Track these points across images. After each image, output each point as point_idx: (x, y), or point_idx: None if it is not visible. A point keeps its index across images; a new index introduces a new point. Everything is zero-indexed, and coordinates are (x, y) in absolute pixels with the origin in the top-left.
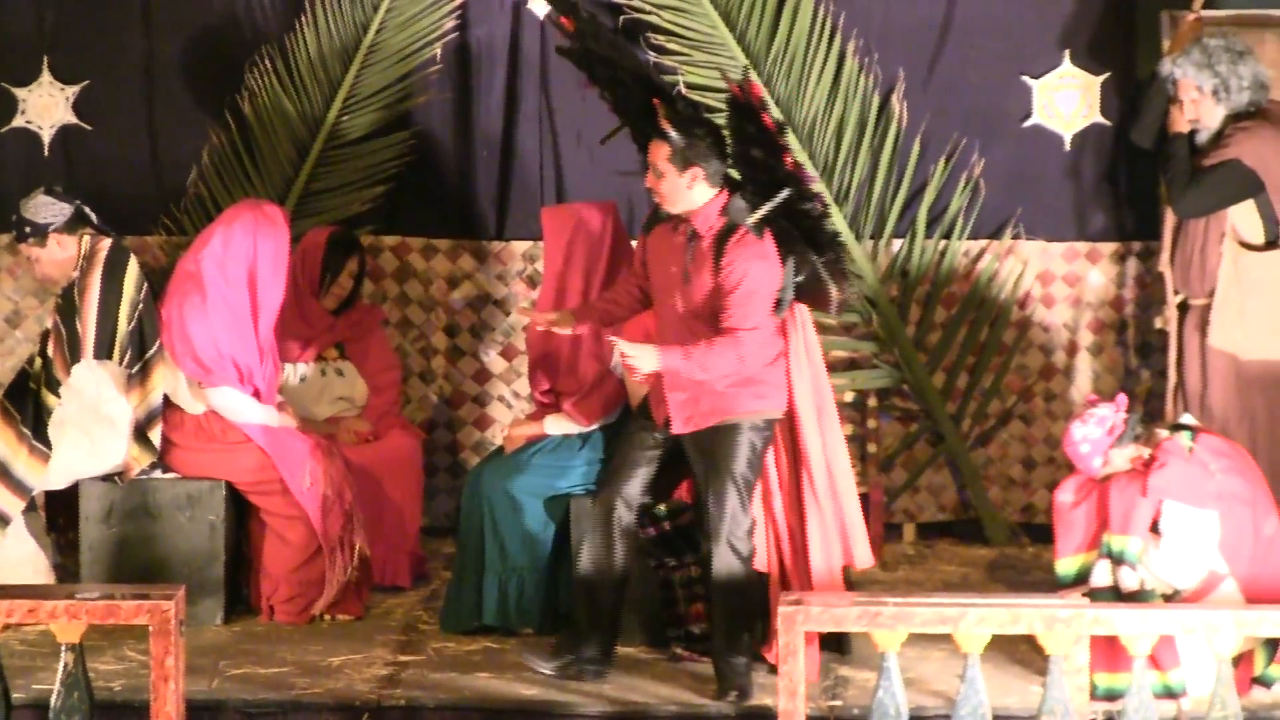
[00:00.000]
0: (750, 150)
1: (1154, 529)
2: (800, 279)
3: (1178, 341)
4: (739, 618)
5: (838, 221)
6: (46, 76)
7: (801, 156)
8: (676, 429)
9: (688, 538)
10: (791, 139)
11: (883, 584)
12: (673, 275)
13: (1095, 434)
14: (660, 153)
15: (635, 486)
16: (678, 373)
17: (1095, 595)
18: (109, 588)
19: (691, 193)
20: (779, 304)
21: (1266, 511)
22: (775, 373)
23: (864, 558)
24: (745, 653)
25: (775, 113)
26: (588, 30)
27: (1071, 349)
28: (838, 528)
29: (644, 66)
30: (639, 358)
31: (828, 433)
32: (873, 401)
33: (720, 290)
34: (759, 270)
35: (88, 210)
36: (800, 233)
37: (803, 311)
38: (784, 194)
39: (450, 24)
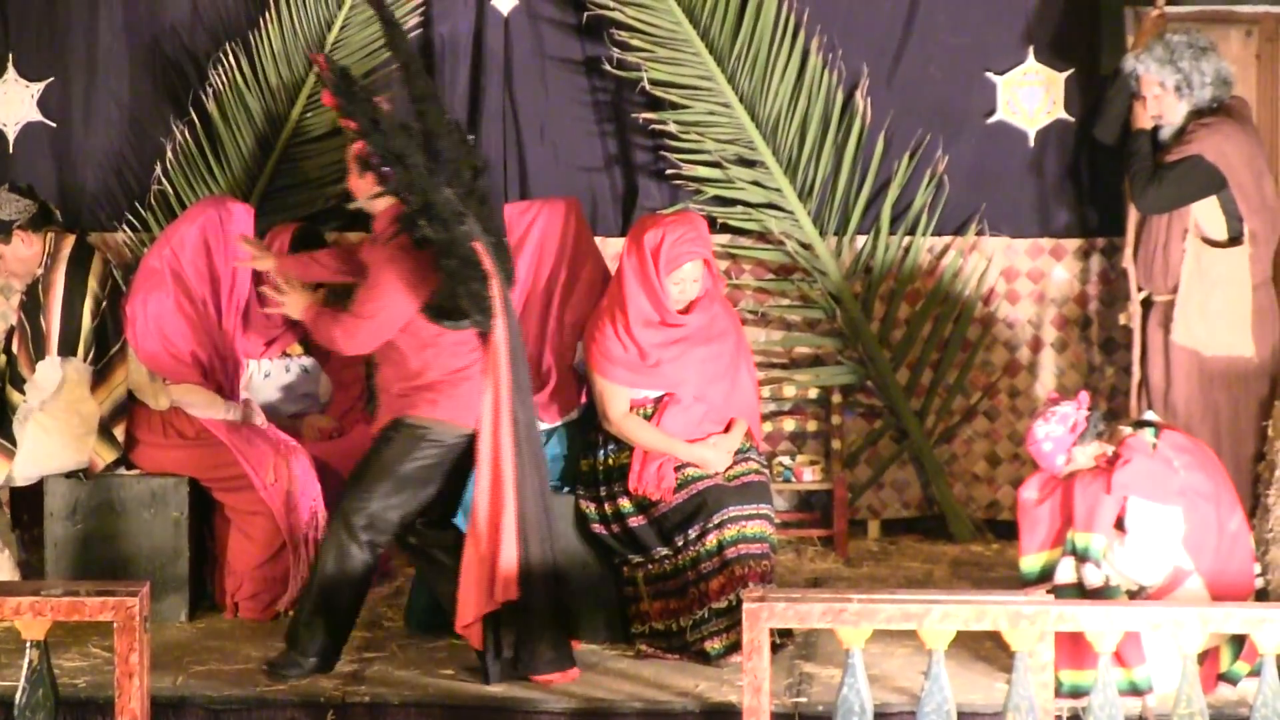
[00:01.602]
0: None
1: (1118, 525)
2: (442, 296)
3: (1141, 338)
4: (320, 602)
5: (801, 219)
6: (11, 73)
7: (765, 153)
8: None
9: (652, 534)
10: (754, 135)
11: (847, 580)
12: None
13: (1057, 432)
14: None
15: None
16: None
17: (1060, 592)
18: (73, 584)
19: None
20: (444, 314)
21: (1230, 507)
22: (458, 386)
23: (468, 615)
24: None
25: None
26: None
27: (1036, 345)
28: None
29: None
30: (287, 303)
31: (503, 471)
32: (836, 398)
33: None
34: (391, 271)
35: (52, 207)
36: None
37: (509, 344)
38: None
39: (414, 21)
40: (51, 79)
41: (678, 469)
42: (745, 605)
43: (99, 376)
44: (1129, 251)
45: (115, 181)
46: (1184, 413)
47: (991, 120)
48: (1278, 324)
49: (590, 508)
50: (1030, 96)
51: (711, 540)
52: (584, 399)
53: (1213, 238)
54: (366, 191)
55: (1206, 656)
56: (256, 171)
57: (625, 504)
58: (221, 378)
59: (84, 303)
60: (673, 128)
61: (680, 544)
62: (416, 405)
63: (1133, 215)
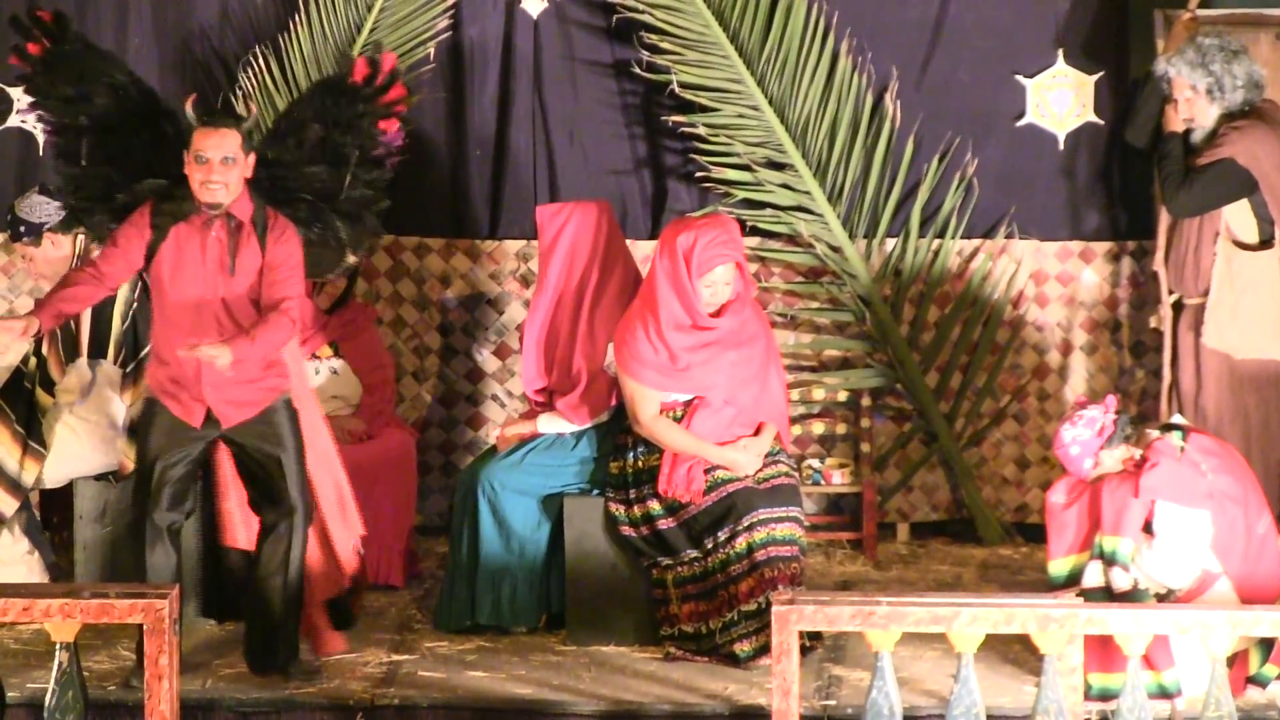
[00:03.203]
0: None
1: (1146, 529)
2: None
3: (1172, 341)
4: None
5: (830, 222)
6: None
7: (794, 156)
8: (230, 422)
9: (681, 537)
10: (784, 137)
11: (876, 583)
12: (210, 268)
13: (1084, 435)
14: (230, 141)
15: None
16: (246, 360)
17: (1088, 596)
18: (103, 586)
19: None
20: None
21: (1259, 510)
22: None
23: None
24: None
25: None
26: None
27: (1065, 348)
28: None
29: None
30: (217, 355)
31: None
32: (866, 401)
33: (271, 266)
34: (298, 242)
35: None
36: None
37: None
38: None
39: (443, 24)
40: None
41: (707, 471)
42: (774, 608)
43: (129, 379)
44: (1160, 255)
45: None
46: (1214, 417)
47: (1021, 123)
48: None
49: (619, 510)
50: (1060, 99)
51: (741, 543)
52: (614, 401)
53: (1244, 241)
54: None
55: (1235, 659)
56: None
57: (655, 506)
58: None
59: (113, 305)
60: (702, 130)
61: (709, 546)
62: (272, 382)
63: (1163, 218)
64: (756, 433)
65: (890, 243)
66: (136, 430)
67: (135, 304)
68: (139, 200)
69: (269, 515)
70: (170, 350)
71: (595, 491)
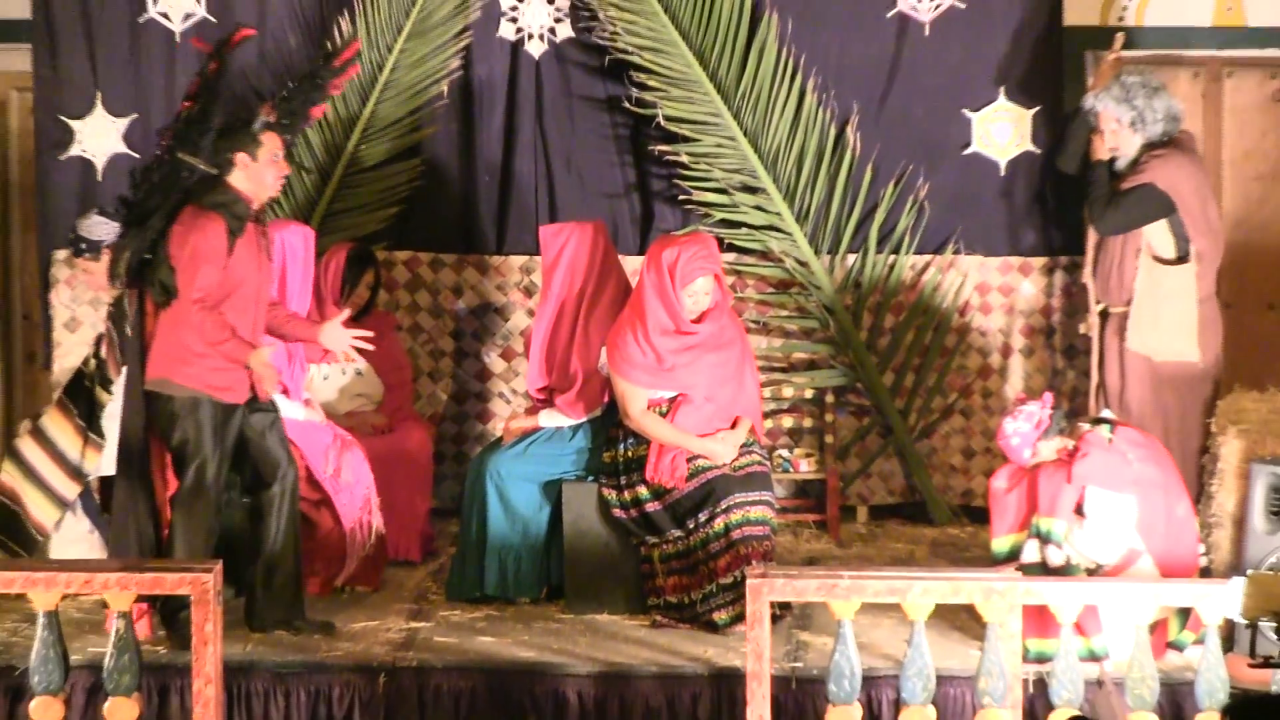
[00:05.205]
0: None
1: (1078, 511)
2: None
3: (1099, 345)
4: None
5: (798, 239)
6: (100, 110)
7: (766, 181)
8: (266, 396)
9: (666, 518)
10: (757, 165)
11: (839, 559)
12: (267, 264)
13: (1024, 428)
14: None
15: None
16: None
17: (1026, 570)
18: (155, 562)
19: None
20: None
21: (1178, 495)
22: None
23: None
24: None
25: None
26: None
27: (1006, 351)
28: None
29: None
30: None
31: None
32: (830, 398)
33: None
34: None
35: None
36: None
37: None
38: None
39: (456, 64)
40: (135, 115)
41: (689, 460)
42: (749, 581)
43: None
44: (1088, 269)
45: None
46: (1137, 412)
47: (967, 152)
48: (1220, 333)
49: (611, 495)
50: (1001, 131)
51: (719, 523)
52: (606, 398)
53: (1163, 256)
54: None
55: (1156, 627)
56: (316, 198)
57: (643, 491)
58: (287, 380)
59: None
60: (684, 158)
61: (691, 527)
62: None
63: (1092, 236)
64: (733, 426)
65: (851, 258)
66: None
67: None
68: (168, 216)
69: (267, 480)
70: (213, 343)
71: (590, 478)
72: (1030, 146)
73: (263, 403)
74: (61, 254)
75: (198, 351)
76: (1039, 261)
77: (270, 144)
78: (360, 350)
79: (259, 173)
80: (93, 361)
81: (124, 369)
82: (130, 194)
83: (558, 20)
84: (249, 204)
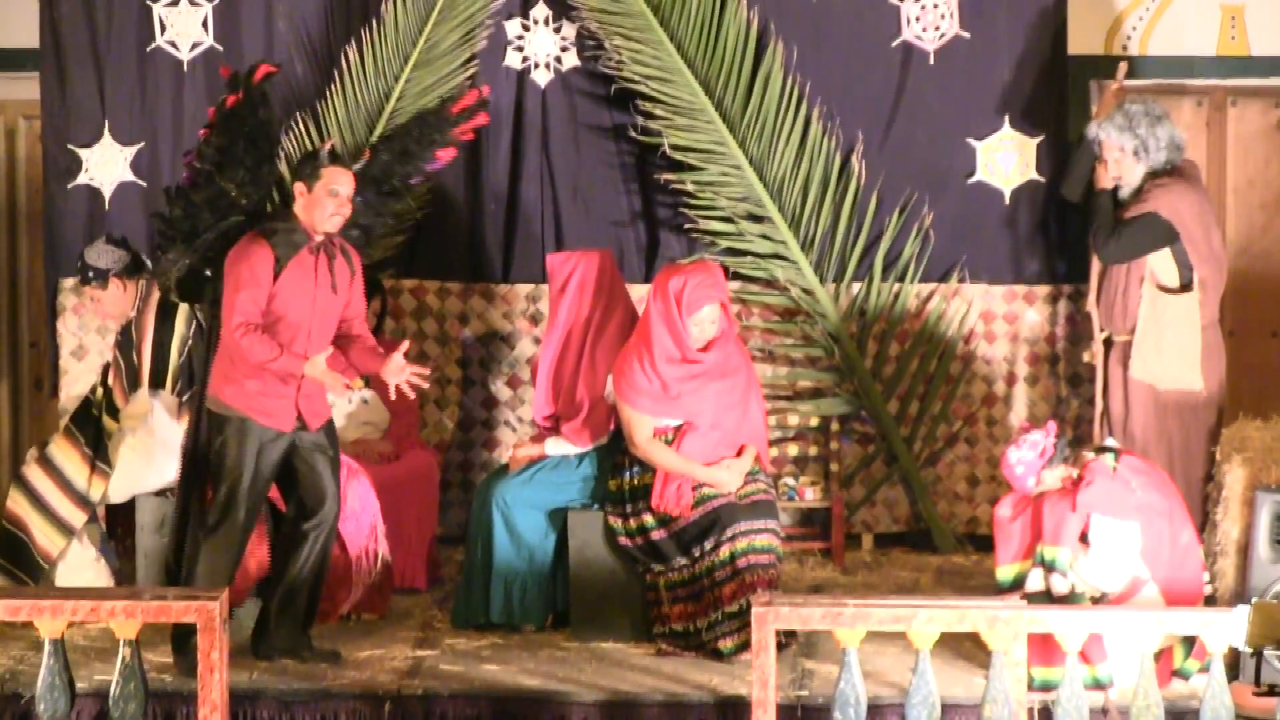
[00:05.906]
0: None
1: (1083, 539)
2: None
3: (1103, 373)
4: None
5: (803, 268)
6: (107, 138)
7: (771, 210)
8: (315, 427)
9: (672, 546)
10: (762, 193)
11: (844, 587)
12: (321, 290)
13: (1028, 456)
14: (352, 182)
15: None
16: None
17: (1031, 598)
18: (162, 589)
19: None
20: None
21: (1182, 523)
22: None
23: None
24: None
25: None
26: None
27: (1010, 380)
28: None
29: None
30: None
31: None
32: (835, 426)
33: (355, 290)
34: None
35: (144, 257)
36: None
37: None
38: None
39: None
40: (142, 143)
41: (695, 488)
42: (754, 609)
43: (186, 407)
44: (1092, 297)
45: None
46: (1141, 440)
47: (971, 181)
48: (1223, 361)
49: (617, 522)
50: (1006, 160)
51: (724, 551)
52: (612, 426)
53: (1166, 284)
54: None
55: (1162, 655)
56: None
57: (648, 519)
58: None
59: (172, 342)
60: (690, 187)
61: (697, 555)
62: None
63: (1095, 265)
64: (738, 454)
65: (856, 286)
66: (212, 443)
67: (190, 340)
68: (221, 238)
69: (310, 511)
70: (264, 362)
71: (596, 506)
72: (1035, 175)
73: (314, 433)
74: (69, 282)
75: (244, 374)
76: (1043, 290)
77: (330, 178)
78: (368, 378)
79: (314, 204)
80: (100, 390)
81: (131, 397)
82: (167, 211)
83: (564, 49)
84: (309, 234)
